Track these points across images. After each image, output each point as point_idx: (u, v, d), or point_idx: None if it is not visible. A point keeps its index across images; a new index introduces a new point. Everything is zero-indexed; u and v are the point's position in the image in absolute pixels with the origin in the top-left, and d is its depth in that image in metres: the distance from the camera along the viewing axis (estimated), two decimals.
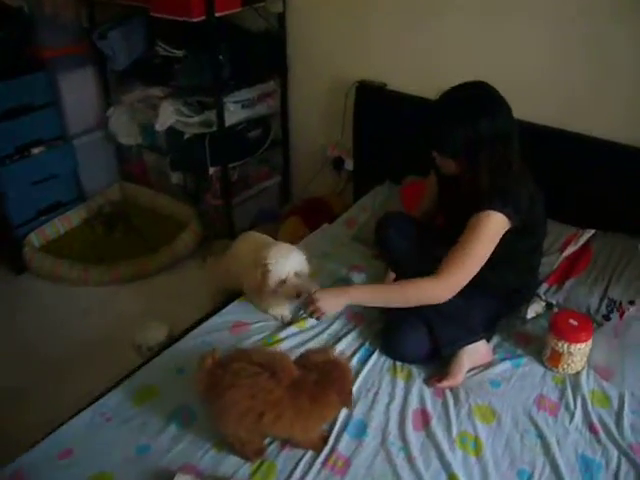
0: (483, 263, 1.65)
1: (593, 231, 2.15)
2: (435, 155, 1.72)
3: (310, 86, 2.94)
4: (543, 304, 2.02)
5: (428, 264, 1.71)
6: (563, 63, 2.17)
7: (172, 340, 1.95)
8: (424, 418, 1.59)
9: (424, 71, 2.51)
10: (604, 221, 2.18)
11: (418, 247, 1.97)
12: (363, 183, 2.86)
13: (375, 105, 2.65)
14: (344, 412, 1.56)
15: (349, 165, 2.90)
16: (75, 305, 2.70)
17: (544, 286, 2.04)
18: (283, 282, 1.79)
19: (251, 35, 2.84)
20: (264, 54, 2.86)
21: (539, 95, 2.23)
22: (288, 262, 1.80)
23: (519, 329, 1.94)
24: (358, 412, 1.60)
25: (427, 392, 1.68)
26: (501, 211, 1.62)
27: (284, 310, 1.94)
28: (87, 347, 2.45)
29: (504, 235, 1.66)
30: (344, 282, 2.12)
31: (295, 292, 1.79)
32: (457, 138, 1.60)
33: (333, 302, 1.72)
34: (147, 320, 2.47)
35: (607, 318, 1.92)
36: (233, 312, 1.97)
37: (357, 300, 1.77)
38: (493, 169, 1.64)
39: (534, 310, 1.99)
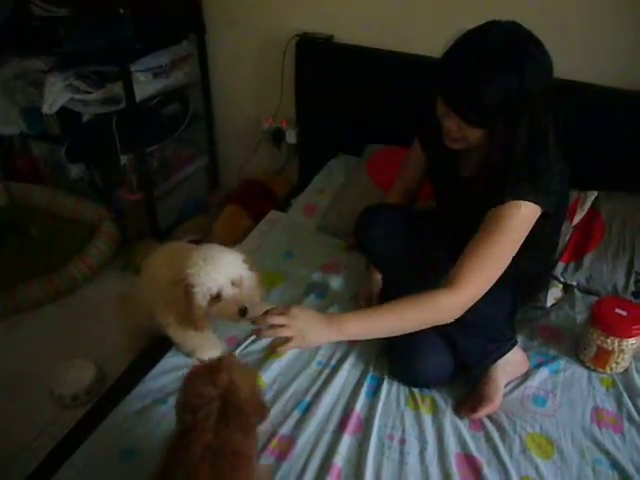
0: (507, 265, 1.26)
1: (596, 193, 1.87)
2: (450, 124, 1.27)
3: (235, 45, 2.43)
4: (561, 287, 1.71)
5: (426, 267, 1.36)
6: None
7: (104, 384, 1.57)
8: (472, 466, 1.22)
9: (380, 18, 2.09)
10: (601, 179, 1.89)
11: (410, 246, 1.54)
12: (310, 158, 2.46)
13: (321, 62, 2.21)
14: (372, 475, 1.17)
15: (291, 137, 2.45)
16: None
17: (560, 265, 1.73)
18: (217, 298, 1.27)
19: None
20: (173, 7, 2.31)
21: None
22: (219, 267, 1.26)
23: (542, 322, 1.61)
24: (388, 471, 1.20)
25: (463, 426, 1.31)
26: (532, 199, 1.23)
27: (217, 351, 1.45)
28: None
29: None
30: (318, 288, 1.70)
31: (237, 307, 1.26)
32: (496, 95, 1.16)
33: (318, 334, 1.21)
34: (66, 358, 1.95)
35: (638, 295, 1.63)
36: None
37: (353, 336, 1.30)
38: (532, 140, 1.23)
39: (553, 296, 1.67)
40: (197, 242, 2.38)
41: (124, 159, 2.31)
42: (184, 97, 2.52)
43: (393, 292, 1.58)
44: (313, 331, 1.20)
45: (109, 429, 1.26)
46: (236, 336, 1.52)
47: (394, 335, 1.30)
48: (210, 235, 2.41)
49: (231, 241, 2.21)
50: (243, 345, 1.50)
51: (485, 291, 1.25)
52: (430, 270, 1.42)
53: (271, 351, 1.40)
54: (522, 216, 1.24)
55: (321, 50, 2.18)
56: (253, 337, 1.48)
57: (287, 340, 1.18)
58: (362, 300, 1.64)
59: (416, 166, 1.65)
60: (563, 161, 1.33)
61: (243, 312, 1.26)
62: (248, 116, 2.55)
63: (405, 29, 2.05)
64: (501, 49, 1.15)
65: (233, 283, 1.28)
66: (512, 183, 1.24)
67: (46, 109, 2.24)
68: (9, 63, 2.40)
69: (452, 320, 1.25)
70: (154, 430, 1.25)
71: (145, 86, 2.25)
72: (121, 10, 2.04)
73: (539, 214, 1.25)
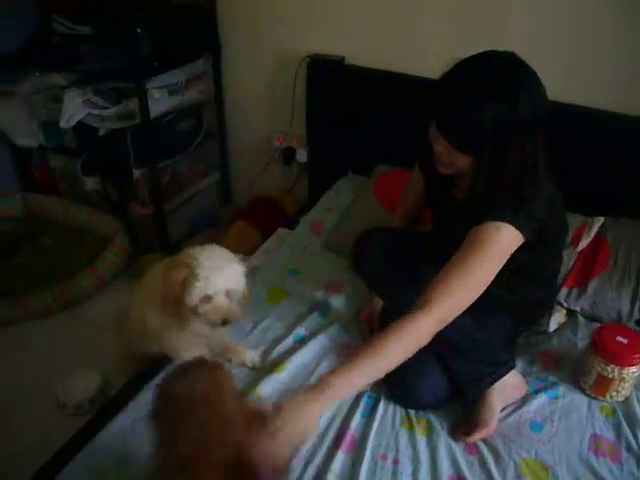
0: (483, 289, 1.23)
1: (602, 219, 1.86)
2: (440, 147, 1.28)
3: (249, 64, 2.48)
4: (564, 312, 1.70)
5: (421, 290, 1.29)
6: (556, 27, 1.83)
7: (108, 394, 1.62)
8: None
9: (391, 40, 2.12)
10: (608, 205, 1.90)
11: (405, 270, 1.55)
12: (320, 177, 2.47)
13: (332, 83, 2.24)
14: None
15: (302, 156, 2.48)
16: None
17: (563, 290, 1.72)
18: (208, 300, 1.28)
19: (173, 3, 2.35)
20: (191, 27, 2.37)
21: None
22: (224, 273, 1.28)
23: (543, 347, 1.60)
24: None
25: (457, 449, 1.30)
26: (512, 223, 1.22)
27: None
28: None
29: (518, 248, 1.26)
30: (321, 306, 1.70)
31: (222, 317, 1.29)
32: (486, 122, 1.16)
33: (315, 416, 1.07)
34: (71, 368, 1.97)
35: None
36: None
37: (343, 395, 1.17)
38: (520, 169, 1.24)
39: (556, 321, 1.66)
40: None
41: (137, 173, 2.35)
42: (198, 114, 2.56)
43: (392, 314, 1.60)
44: (299, 423, 1.02)
45: (110, 435, 1.27)
46: None
47: (382, 375, 1.21)
48: None
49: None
50: None
51: (457, 313, 1.21)
52: (414, 284, 1.40)
53: None
54: (500, 238, 1.23)
55: (332, 71, 2.21)
56: None
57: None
58: (364, 321, 1.64)
59: (416, 190, 1.67)
60: (554, 188, 1.33)
61: (224, 323, 1.30)
62: (260, 134, 2.58)
63: (416, 52, 2.08)
64: (495, 76, 1.16)
65: (227, 292, 1.30)
66: (493, 205, 1.25)
67: (64, 123, 2.30)
68: (30, 78, 2.47)
69: (420, 345, 1.17)
70: None
71: (160, 103, 2.30)
72: (139, 29, 2.09)
73: (521, 240, 1.24)
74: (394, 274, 1.57)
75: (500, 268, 1.24)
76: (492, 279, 1.23)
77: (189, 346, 1.41)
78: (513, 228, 1.23)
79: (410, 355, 1.19)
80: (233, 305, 1.31)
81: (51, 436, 1.76)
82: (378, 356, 1.17)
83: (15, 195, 2.77)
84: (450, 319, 1.20)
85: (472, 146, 1.22)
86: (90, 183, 2.61)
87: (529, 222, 1.24)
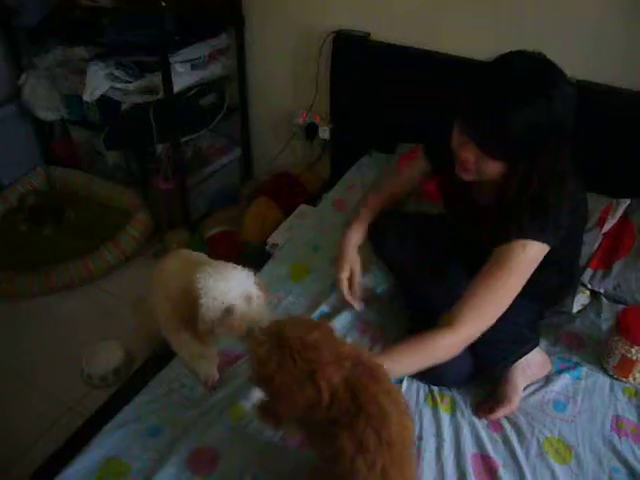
0: (511, 302, 1.26)
1: (628, 201, 1.84)
2: (467, 154, 1.22)
3: (273, 39, 2.45)
4: (588, 293, 1.69)
5: (440, 283, 1.39)
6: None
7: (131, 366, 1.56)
8: (488, 467, 1.23)
9: (417, 16, 2.08)
10: (634, 187, 1.86)
11: (422, 255, 1.57)
12: (342, 154, 2.46)
13: (357, 59, 2.21)
14: None
15: (325, 133, 2.46)
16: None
17: (588, 271, 1.71)
18: (228, 313, 1.20)
19: None
20: (214, 0, 2.35)
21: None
22: (230, 282, 1.21)
23: (567, 328, 1.60)
24: None
25: (481, 427, 1.32)
26: (539, 239, 1.23)
27: (211, 368, 1.39)
28: (19, 381, 1.94)
29: None
30: None
31: (245, 325, 1.20)
32: (523, 128, 1.12)
33: None
34: (96, 340, 2.01)
35: None
36: None
37: None
38: (551, 174, 1.21)
39: (580, 302, 1.66)
40: (227, 233, 2.44)
41: (160, 148, 2.36)
42: (220, 89, 2.55)
43: (408, 299, 1.62)
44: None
45: (136, 409, 1.30)
46: (234, 355, 1.46)
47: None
48: (240, 227, 2.45)
49: (260, 233, 2.25)
50: (241, 360, 1.45)
51: (484, 329, 1.26)
52: (440, 278, 1.46)
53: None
54: (527, 256, 1.23)
55: (357, 47, 2.18)
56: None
57: None
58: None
59: (411, 178, 1.65)
60: (575, 179, 1.30)
61: (250, 331, 1.20)
62: (283, 110, 2.57)
63: (442, 28, 2.04)
64: (529, 79, 1.13)
65: (247, 298, 1.23)
66: (519, 221, 1.23)
67: (87, 97, 2.30)
68: (54, 51, 2.47)
69: (450, 358, 1.26)
70: (179, 414, 1.29)
71: (183, 77, 2.29)
72: (163, 3, 2.07)
73: (546, 250, 1.25)
74: (411, 258, 1.58)
75: (526, 280, 1.25)
76: (519, 290, 1.25)
77: (200, 356, 1.38)
78: (540, 243, 1.23)
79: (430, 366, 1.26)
80: (252, 311, 1.23)
81: (76, 407, 1.83)
82: (398, 363, 1.22)
83: (38, 168, 2.80)
84: (476, 336, 1.25)
85: (507, 153, 1.18)
86: (112, 157, 2.62)
87: (555, 232, 1.24)
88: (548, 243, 1.24)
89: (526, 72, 1.14)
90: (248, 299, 1.23)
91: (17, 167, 2.75)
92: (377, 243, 1.69)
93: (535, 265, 1.25)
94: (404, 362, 1.26)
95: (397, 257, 1.64)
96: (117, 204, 2.63)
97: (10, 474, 1.60)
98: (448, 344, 1.25)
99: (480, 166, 1.23)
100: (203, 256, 1.50)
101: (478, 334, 1.25)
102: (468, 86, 1.21)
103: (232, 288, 1.20)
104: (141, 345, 1.77)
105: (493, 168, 1.22)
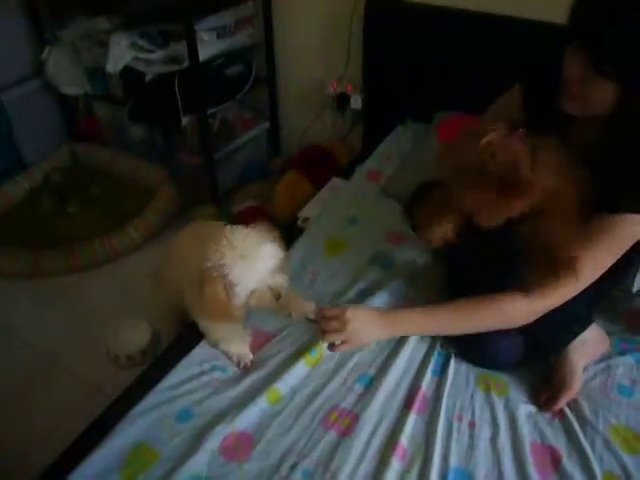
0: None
1: None
2: (573, 70, 1.01)
3: (301, 5, 2.33)
4: None
5: (492, 260, 1.20)
6: None
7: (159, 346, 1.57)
8: (550, 457, 1.12)
9: None
10: None
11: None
12: (375, 125, 2.34)
13: (391, 23, 2.08)
14: (440, 458, 1.08)
15: (357, 103, 2.34)
16: (25, 304, 2.11)
17: None
18: (252, 293, 1.17)
19: None
20: None
21: None
22: (259, 263, 1.14)
23: (626, 306, 1.47)
24: (455, 457, 1.11)
25: (539, 413, 1.21)
26: None
27: (244, 347, 1.33)
28: (46, 360, 1.88)
29: None
30: (384, 258, 1.60)
31: (272, 295, 1.18)
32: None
33: (373, 335, 1.23)
34: (122, 318, 1.95)
35: None
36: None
37: (407, 333, 1.30)
38: None
39: None
40: (256, 208, 2.35)
41: (185, 120, 2.26)
42: (247, 59, 2.44)
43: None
44: (368, 332, 1.20)
45: (165, 391, 1.21)
46: (267, 332, 1.39)
47: (454, 334, 1.27)
48: (270, 201, 2.35)
49: (291, 208, 2.14)
50: (275, 340, 1.37)
51: (566, 299, 1.14)
52: (500, 266, 1.24)
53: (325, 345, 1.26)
54: (634, 231, 1.08)
55: (391, 10, 2.05)
56: (284, 333, 1.38)
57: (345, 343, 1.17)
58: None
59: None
60: None
61: (278, 297, 1.19)
62: (312, 80, 2.45)
63: None
64: None
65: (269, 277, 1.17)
66: (632, 189, 1.04)
67: (110, 67, 2.21)
68: (76, 22, 2.40)
69: (519, 325, 1.16)
70: (210, 397, 1.21)
71: (208, 46, 2.19)
72: None
73: None
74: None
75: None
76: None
77: (230, 336, 1.33)
78: None
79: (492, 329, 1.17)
80: (277, 278, 1.18)
81: (104, 388, 1.76)
82: (458, 318, 1.18)
83: (62, 145, 2.73)
84: (557, 305, 1.13)
85: (620, 67, 0.95)
86: (137, 131, 2.54)
87: None
88: None
89: None
90: (273, 274, 1.17)
91: (42, 144, 2.69)
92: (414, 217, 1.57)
93: (635, 240, 1.09)
94: (470, 320, 1.18)
95: None
96: (142, 180, 2.55)
97: (32, 458, 1.54)
98: (527, 310, 1.13)
99: (585, 89, 1.02)
100: (220, 225, 1.33)
101: (559, 304, 1.13)
102: None
103: (259, 270, 1.14)
104: (167, 324, 1.70)
105: (599, 93, 1.00)
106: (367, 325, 1.18)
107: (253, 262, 1.13)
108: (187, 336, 1.40)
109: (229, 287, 1.14)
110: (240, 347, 1.31)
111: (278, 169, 2.52)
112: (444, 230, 1.19)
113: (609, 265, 1.11)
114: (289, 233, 1.75)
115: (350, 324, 1.14)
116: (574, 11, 1.00)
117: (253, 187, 2.53)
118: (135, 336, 1.86)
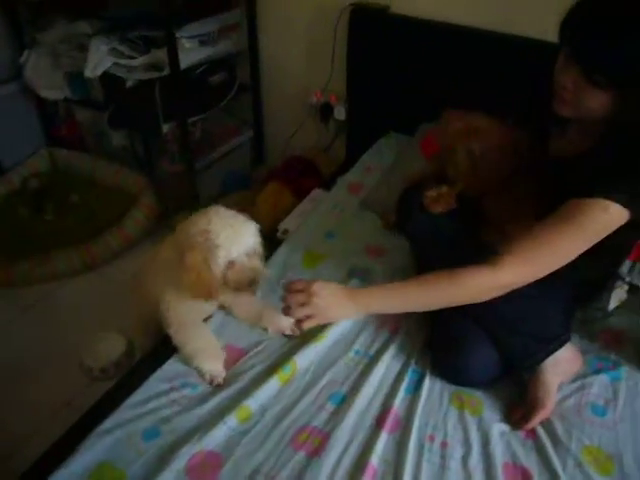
0: (566, 262, 1.11)
1: None
2: (567, 79, 1.05)
3: (286, 14, 2.32)
4: (626, 287, 1.55)
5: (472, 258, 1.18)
6: None
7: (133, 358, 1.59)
8: (521, 477, 1.10)
9: None
10: None
11: (456, 237, 1.40)
12: (358, 135, 2.34)
13: (376, 34, 2.08)
14: (410, 477, 1.07)
15: (340, 113, 2.33)
16: None
17: (626, 263, 1.56)
18: (232, 265, 1.21)
19: None
20: None
21: None
22: (241, 235, 1.20)
23: (602, 325, 1.47)
24: (427, 474, 1.10)
25: (512, 433, 1.20)
26: (624, 204, 1.04)
27: (217, 365, 1.29)
28: (17, 371, 1.84)
29: None
30: (363, 271, 1.59)
31: (250, 277, 1.22)
32: (634, 47, 0.94)
33: (341, 310, 1.19)
34: (96, 330, 1.92)
35: None
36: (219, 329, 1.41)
37: (376, 312, 1.30)
38: None
39: (617, 297, 1.52)
40: None
41: (166, 128, 2.24)
42: (231, 67, 2.43)
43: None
44: (335, 308, 1.17)
45: (132, 408, 1.19)
46: (240, 348, 1.37)
47: (422, 310, 1.26)
48: (251, 212, 2.32)
49: (272, 219, 2.12)
50: (247, 355, 1.34)
51: (530, 281, 1.12)
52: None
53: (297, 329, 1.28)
54: (605, 219, 1.06)
55: (376, 21, 2.05)
56: (258, 348, 1.36)
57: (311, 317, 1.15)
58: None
59: None
60: None
61: (253, 282, 1.23)
62: (296, 89, 2.44)
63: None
64: None
65: (247, 254, 1.23)
66: (606, 176, 1.05)
67: (88, 72, 2.19)
68: (56, 26, 2.37)
69: (485, 299, 1.13)
70: (179, 415, 1.18)
71: (191, 53, 2.17)
72: None
73: (625, 220, 1.07)
74: (443, 241, 1.43)
75: (588, 247, 1.09)
76: (577, 255, 1.09)
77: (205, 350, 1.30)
78: (624, 210, 1.05)
79: (457, 305, 1.16)
80: (256, 262, 1.24)
81: (74, 400, 1.73)
82: (424, 293, 1.16)
83: (41, 150, 2.69)
84: (520, 284, 1.11)
85: (614, 80, 0.99)
86: (117, 138, 2.52)
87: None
88: (632, 211, 1.05)
89: None
90: (249, 253, 1.22)
91: (20, 149, 2.66)
92: (403, 217, 1.55)
93: (608, 232, 1.08)
94: (437, 294, 1.15)
95: (426, 237, 1.47)
96: (122, 187, 2.53)
97: (2, 472, 1.51)
98: (489, 283, 1.11)
99: (579, 97, 1.05)
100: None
101: (523, 283, 1.11)
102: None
103: (238, 241, 1.19)
104: (143, 336, 1.67)
105: (595, 101, 1.04)
106: (334, 300, 1.16)
107: (239, 230, 1.20)
108: (160, 350, 1.37)
109: (211, 253, 1.17)
110: (213, 365, 1.28)
111: (261, 179, 2.51)
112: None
113: (577, 252, 1.09)
114: (269, 244, 1.74)
115: (316, 297, 1.13)
116: (564, 23, 1.03)
117: (235, 196, 2.51)
118: (109, 348, 1.84)
